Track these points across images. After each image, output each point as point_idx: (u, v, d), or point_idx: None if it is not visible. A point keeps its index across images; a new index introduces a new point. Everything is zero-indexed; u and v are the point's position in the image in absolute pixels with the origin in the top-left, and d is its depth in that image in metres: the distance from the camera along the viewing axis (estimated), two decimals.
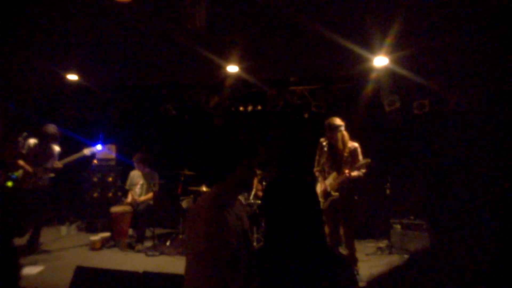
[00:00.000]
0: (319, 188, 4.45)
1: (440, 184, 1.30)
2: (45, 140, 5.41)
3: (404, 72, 5.21)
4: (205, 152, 6.81)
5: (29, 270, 4.60)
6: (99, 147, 7.17)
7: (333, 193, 4.26)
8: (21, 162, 5.17)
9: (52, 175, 5.53)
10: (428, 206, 1.29)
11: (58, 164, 5.44)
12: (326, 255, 1.43)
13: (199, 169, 6.44)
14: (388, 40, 4.30)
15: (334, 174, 4.30)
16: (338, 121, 4.32)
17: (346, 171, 4.19)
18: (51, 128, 5.46)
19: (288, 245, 1.41)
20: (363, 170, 4.32)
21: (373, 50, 4.65)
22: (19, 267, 2.21)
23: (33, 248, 5.32)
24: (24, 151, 5.28)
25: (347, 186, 4.29)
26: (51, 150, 5.47)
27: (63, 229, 6.81)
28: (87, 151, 5.68)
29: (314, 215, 1.46)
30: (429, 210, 1.29)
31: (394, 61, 4.99)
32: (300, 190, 1.48)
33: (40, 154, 5.36)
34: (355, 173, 4.24)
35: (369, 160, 4.22)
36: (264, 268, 1.44)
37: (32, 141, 5.37)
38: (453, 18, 3.95)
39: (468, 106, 5.73)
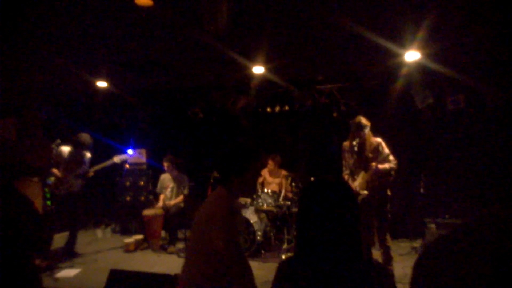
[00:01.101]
0: None
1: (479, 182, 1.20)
2: (78, 148, 5.54)
3: (437, 66, 5.02)
4: (216, 154, 6.84)
5: (66, 273, 4.74)
6: (130, 152, 7.35)
7: (361, 191, 4.16)
8: (54, 170, 5.32)
9: (82, 181, 5.64)
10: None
11: (90, 173, 5.60)
12: (364, 265, 1.34)
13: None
14: (420, 34, 4.15)
15: (362, 174, 4.21)
16: (364, 120, 4.24)
17: (373, 164, 4.11)
18: (85, 136, 5.60)
19: (322, 254, 1.33)
20: (394, 162, 4.19)
21: (404, 45, 4.51)
22: (39, 274, 2.27)
23: (70, 252, 5.48)
24: (58, 159, 5.44)
25: (378, 182, 4.18)
26: (83, 158, 5.60)
27: (99, 232, 7.00)
28: (117, 159, 5.81)
29: (352, 222, 1.37)
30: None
31: (426, 55, 4.82)
32: (338, 194, 1.39)
33: (72, 162, 5.50)
34: (383, 166, 4.14)
35: (366, 193, 4.15)
36: (295, 279, 1.35)
37: (66, 149, 5.52)
38: (488, 10, 3.77)
39: (506, 101, 5.47)
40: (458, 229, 1.03)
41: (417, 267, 1.01)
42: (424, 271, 1.00)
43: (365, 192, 4.16)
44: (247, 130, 7.25)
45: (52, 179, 5.30)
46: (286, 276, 1.40)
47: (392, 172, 4.22)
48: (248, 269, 1.94)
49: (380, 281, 1.31)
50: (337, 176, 4.57)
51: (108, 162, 5.73)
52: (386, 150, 4.24)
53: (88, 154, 5.69)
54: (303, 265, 1.36)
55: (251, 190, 2.20)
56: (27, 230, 2.18)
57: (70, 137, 5.66)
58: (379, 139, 4.29)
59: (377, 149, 4.23)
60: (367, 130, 4.23)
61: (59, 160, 5.43)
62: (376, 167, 4.10)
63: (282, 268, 1.43)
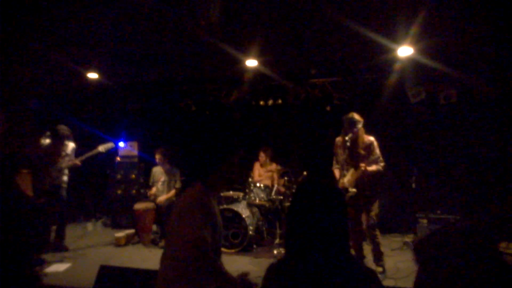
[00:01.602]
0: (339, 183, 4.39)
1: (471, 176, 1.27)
2: (57, 140, 5.43)
3: (429, 62, 5.02)
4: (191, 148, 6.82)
5: (56, 268, 4.70)
6: (121, 144, 7.28)
7: (350, 189, 4.17)
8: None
9: (67, 173, 5.54)
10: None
11: (77, 162, 5.47)
12: (353, 268, 1.34)
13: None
14: (413, 30, 4.14)
15: (352, 171, 4.21)
16: (357, 116, 4.22)
17: (362, 165, 4.12)
18: (62, 128, 5.49)
19: (311, 258, 1.32)
20: (382, 164, 4.22)
21: (397, 40, 4.50)
22: (39, 278, 2.25)
23: (58, 246, 5.43)
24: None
25: (367, 181, 4.20)
26: (65, 150, 5.50)
27: (89, 226, 6.96)
28: (102, 148, 5.68)
29: (341, 224, 1.37)
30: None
31: (419, 51, 4.82)
32: (328, 197, 1.38)
33: (54, 155, 5.40)
34: (371, 168, 4.16)
35: (355, 190, 4.15)
36: (284, 282, 1.35)
37: (44, 142, 5.43)
38: (480, 5, 3.76)
39: (498, 96, 5.49)
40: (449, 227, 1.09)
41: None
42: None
43: (354, 190, 4.17)
44: (240, 123, 7.22)
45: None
46: (275, 281, 1.40)
47: (379, 173, 4.23)
48: (216, 263, 1.90)
49: (367, 284, 1.31)
50: (327, 177, 4.59)
51: (93, 152, 5.62)
52: (377, 151, 4.25)
53: (71, 145, 5.57)
54: (292, 268, 1.36)
55: (227, 184, 2.13)
56: (27, 223, 2.15)
57: (47, 129, 5.54)
58: (372, 138, 4.28)
59: (369, 147, 4.24)
60: (359, 126, 4.22)
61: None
62: (365, 169, 4.12)
63: (271, 272, 1.43)
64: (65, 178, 5.51)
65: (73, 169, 5.62)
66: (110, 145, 5.80)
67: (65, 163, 5.45)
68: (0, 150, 2.21)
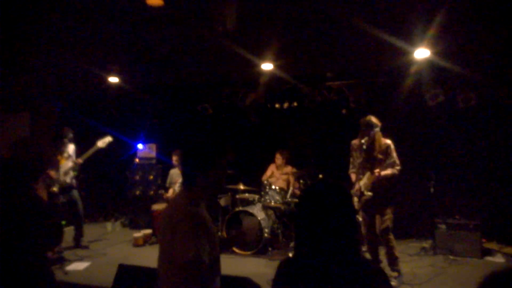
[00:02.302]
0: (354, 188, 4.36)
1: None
2: (59, 142, 5.52)
3: (447, 64, 4.96)
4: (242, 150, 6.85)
5: (76, 266, 4.84)
6: (140, 146, 7.43)
7: (366, 192, 4.15)
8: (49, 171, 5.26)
9: (74, 173, 5.61)
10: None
11: (79, 160, 5.55)
12: (361, 267, 1.37)
13: (236, 167, 6.49)
14: (430, 32, 4.11)
15: (368, 174, 4.19)
16: (374, 120, 4.19)
17: (376, 171, 4.09)
18: (66, 130, 5.59)
19: (320, 255, 1.36)
20: (398, 168, 4.18)
21: (413, 42, 4.47)
22: (52, 276, 2.32)
23: (78, 245, 5.59)
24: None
25: (382, 185, 4.17)
26: (68, 151, 5.59)
27: (109, 226, 7.11)
28: (100, 143, 5.67)
29: (349, 223, 1.40)
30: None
31: (436, 53, 4.77)
32: (335, 197, 1.41)
33: (56, 157, 5.49)
34: (385, 172, 4.13)
35: (370, 194, 4.13)
36: (294, 278, 1.39)
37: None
38: (498, 7, 3.71)
39: None
40: None
41: None
42: None
43: (369, 193, 4.14)
44: (256, 126, 7.27)
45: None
46: (285, 275, 1.44)
47: (394, 177, 4.20)
48: (218, 278, 1.82)
49: (376, 283, 1.34)
50: (337, 179, 4.56)
51: (93, 148, 5.62)
52: (394, 154, 4.20)
53: (72, 146, 5.66)
54: (301, 264, 1.40)
55: (217, 190, 1.97)
56: (40, 225, 2.23)
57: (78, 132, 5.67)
58: (388, 141, 4.25)
59: (385, 151, 4.20)
60: (377, 130, 4.18)
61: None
62: (379, 174, 4.09)
63: (282, 267, 1.48)
64: (73, 179, 5.60)
65: (85, 170, 5.69)
66: (108, 138, 5.74)
67: (69, 164, 5.54)
68: (23, 153, 2.28)
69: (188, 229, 1.68)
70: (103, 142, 5.71)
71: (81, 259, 5.12)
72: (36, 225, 2.14)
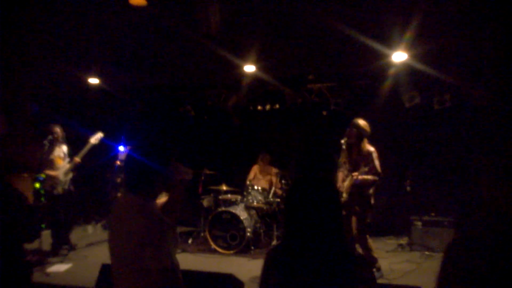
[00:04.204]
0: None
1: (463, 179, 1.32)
2: (55, 142, 5.39)
3: (423, 67, 5.14)
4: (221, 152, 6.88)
5: (58, 268, 4.77)
6: (121, 148, 7.36)
7: (344, 194, 4.24)
8: (49, 172, 5.23)
9: (72, 174, 5.51)
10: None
11: (77, 159, 5.41)
12: (345, 255, 1.44)
13: (219, 168, 6.55)
14: (407, 36, 4.25)
15: (350, 177, 4.26)
16: (362, 123, 4.25)
17: (354, 174, 4.14)
18: (58, 129, 5.46)
19: (307, 244, 1.43)
20: (378, 175, 4.20)
21: (391, 46, 4.61)
22: (30, 268, 2.32)
23: (67, 245, 5.51)
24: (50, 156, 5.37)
25: (360, 189, 4.22)
26: (63, 152, 5.49)
27: (90, 228, 7.03)
28: (93, 140, 5.55)
29: (334, 215, 1.48)
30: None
31: (413, 56, 4.93)
32: (323, 190, 1.50)
33: (57, 158, 5.39)
34: (365, 177, 4.15)
35: (345, 196, 4.21)
36: (281, 265, 1.46)
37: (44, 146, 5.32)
38: (473, 11, 3.88)
39: (491, 100, 5.60)
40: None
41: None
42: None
43: (345, 196, 4.20)
44: (238, 128, 7.33)
45: (43, 175, 5.25)
46: (274, 264, 1.51)
47: (372, 184, 4.24)
48: (180, 282, 1.78)
49: (359, 271, 1.42)
50: (323, 173, 4.62)
51: (87, 146, 5.49)
52: (376, 162, 4.20)
53: (65, 147, 5.54)
54: (289, 253, 1.47)
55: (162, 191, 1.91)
56: (19, 223, 2.23)
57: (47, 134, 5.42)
58: (372, 149, 4.25)
59: (366, 157, 4.21)
60: (357, 131, 4.23)
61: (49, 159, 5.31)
62: (357, 178, 4.12)
63: (270, 256, 1.55)
64: (71, 180, 5.49)
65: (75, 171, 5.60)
66: (99, 134, 5.64)
67: (68, 164, 5.44)
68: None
69: (149, 239, 1.62)
70: (95, 138, 5.57)
71: (62, 261, 5.06)
72: (12, 216, 2.14)
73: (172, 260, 1.65)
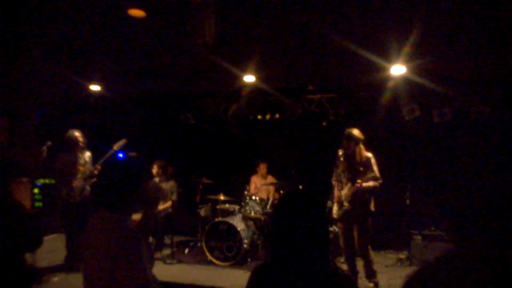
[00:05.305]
0: (335, 196, 4.44)
1: (460, 193, 1.28)
2: (74, 149, 5.27)
3: (422, 80, 5.13)
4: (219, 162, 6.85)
5: (51, 276, 4.74)
6: (120, 155, 7.35)
7: (345, 203, 4.23)
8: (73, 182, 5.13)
9: (91, 181, 5.35)
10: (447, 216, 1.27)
11: (97, 167, 5.25)
12: (330, 275, 1.42)
13: (217, 177, 6.53)
14: (406, 49, 4.25)
15: (349, 185, 4.26)
16: (357, 133, 4.29)
17: (359, 181, 4.16)
18: (76, 134, 5.33)
19: (291, 263, 1.41)
20: (379, 181, 4.26)
21: (389, 59, 4.61)
22: (30, 278, 2.31)
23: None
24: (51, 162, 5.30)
25: (361, 197, 4.24)
26: (84, 158, 5.37)
27: None
28: (116, 147, 5.41)
29: (321, 234, 1.46)
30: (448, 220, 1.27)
31: (412, 69, 4.93)
32: (309, 207, 1.47)
33: (77, 165, 5.26)
34: (367, 184, 4.20)
35: (348, 205, 4.25)
36: (265, 286, 1.44)
37: (63, 154, 5.29)
38: (472, 25, 3.88)
39: (491, 113, 5.59)
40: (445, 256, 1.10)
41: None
42: None
43: (348, 205, 4.22)
44: (238, 137, 7.33)
45: (45, 180, 5.21)
46: (257, 282, 1.49)
47: (375, 190, 4.28)
48: None
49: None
50: (312, 189, 4.60)
51: (110, 152, 5.34)
52: (375, 168, 4.28)
53: (88, 152, 5.44)
54: (273, 273, 1.45)
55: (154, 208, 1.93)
56: (19, 232, 2.22)
57: (61, 140, 5.34)
58: (369, 155, 4.32)
59: (366, 164, 4.26)
60: (355, 143, 4.26)
61: (60, 167, 5.17)
62: (361, 185, 4.15)
63: (254, 275, 1.53)
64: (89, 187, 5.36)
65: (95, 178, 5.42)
66: (122, 141, 5.51)
67: (88, 171, 5.29)
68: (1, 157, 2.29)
69: (130, 250, 1.63)
70: (118, 145, 5.44)
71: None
72: (12, 226, 2.14)
73: (147, 278, 1.64)
